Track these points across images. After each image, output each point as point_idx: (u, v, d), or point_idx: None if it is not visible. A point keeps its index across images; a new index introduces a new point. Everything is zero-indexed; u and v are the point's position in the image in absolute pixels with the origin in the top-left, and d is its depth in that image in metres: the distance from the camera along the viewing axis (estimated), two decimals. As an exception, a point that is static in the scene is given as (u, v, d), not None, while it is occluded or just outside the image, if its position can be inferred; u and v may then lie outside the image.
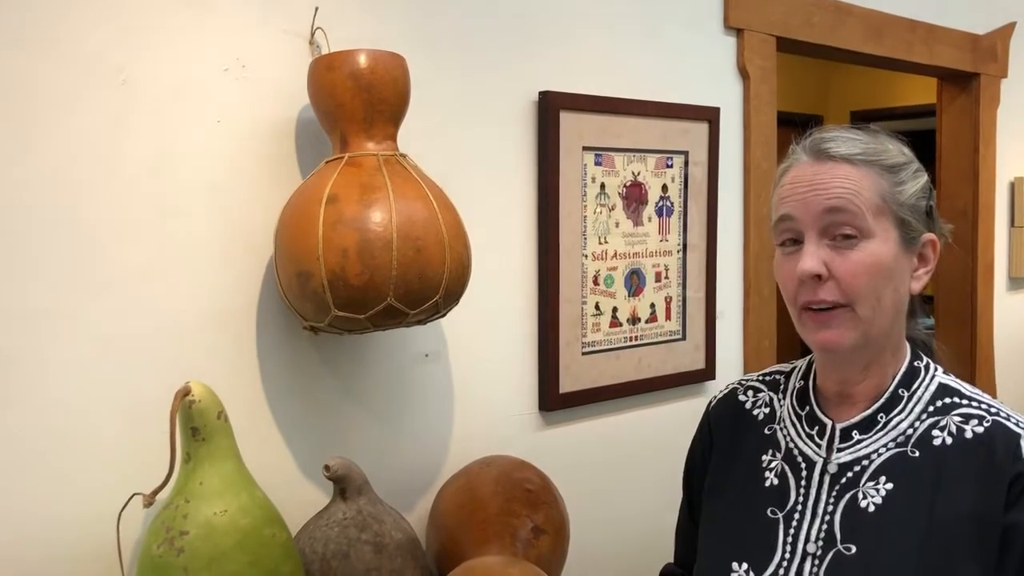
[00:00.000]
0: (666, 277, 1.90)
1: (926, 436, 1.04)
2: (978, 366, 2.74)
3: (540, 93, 1.66)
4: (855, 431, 1.07)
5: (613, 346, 1.80)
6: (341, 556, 1.25)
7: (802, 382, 1.16)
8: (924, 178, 1.07)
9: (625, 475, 1.84)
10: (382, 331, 1.34)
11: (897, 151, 1.06)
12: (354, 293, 1.21)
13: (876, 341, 1.05)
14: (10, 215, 1.15)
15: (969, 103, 2.74)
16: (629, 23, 1.82)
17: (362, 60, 1.27)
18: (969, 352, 2.74)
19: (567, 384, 1.72)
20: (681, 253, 1.93)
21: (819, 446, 1.09)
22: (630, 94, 1.81)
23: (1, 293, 1.15)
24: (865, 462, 1.05)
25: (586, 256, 1.75)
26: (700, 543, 1.18)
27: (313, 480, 1.41)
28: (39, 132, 1.17)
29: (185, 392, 1.15)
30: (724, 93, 2.02)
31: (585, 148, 1.73)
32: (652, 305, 1.88)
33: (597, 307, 1.77)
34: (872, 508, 1.02)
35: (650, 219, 1.86)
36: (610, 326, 1.80)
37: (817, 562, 1.03)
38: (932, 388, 1.07)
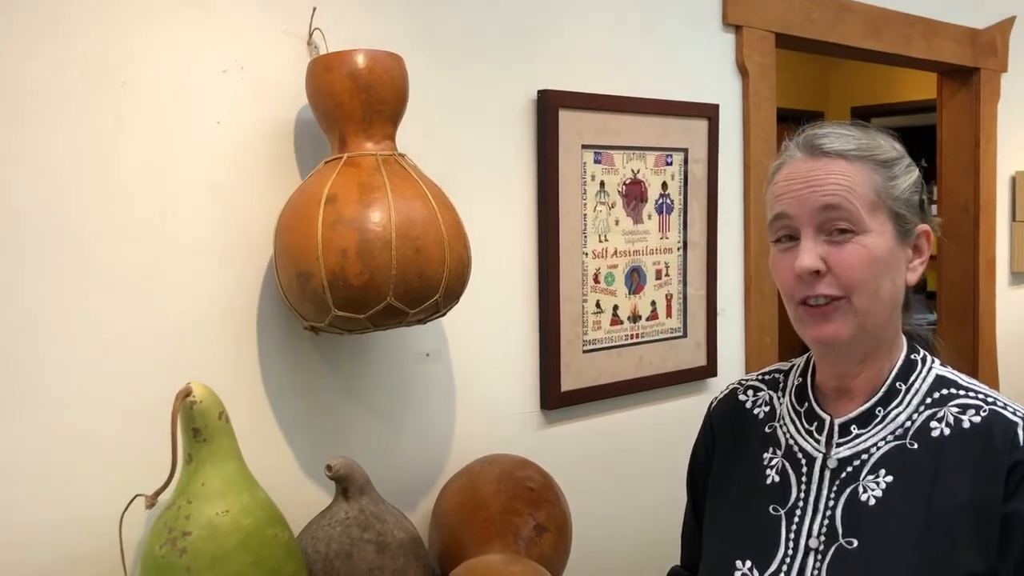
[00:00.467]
0: (667, 275, 1.90)
1: (924, 428, 1.04)
2: (980, 361, 2.73)
3: (539, 91, 1.66)
4: (854, 425, 1.07)
5: (614, 344, 1.80)
6: (344, 556, 1.25)
7: (800, 379, 1.16)
8: (916, 172, 1.08)
9: (627, 473, 1.84)
10: (383, 331, 1.35)
11: (889, 146, 1.06)
12: (354, 293, 1.21)
13: (873, 333, 1.05)
14: (8, 216, 1.16)
15: (969, 98, 2.73)
16: (628, 21, 1.82)
17: (360, 60, 1.27)
18: (971, 347, 2.74)
19: (568, 382, 1.72)
20: (681, 250, 1.93)
21: (818, 442, 1.09)
22: (629, 92, 1.81)
23: (0, 295, 1.15)
24: (865, 456, 1.05)
25: (586, 254, 1.75)
26: (704, 543, 1.18)
27: (315, 480, 1.41)
28: (39, 133, 1.17)
29: (186, 393, 1.15)
30: (723, 90, 2.02)
31: (584, 146, 1.73)
32: (653, 303, 1.88)
33: (598, 305, 1.77)
34: (873, 501, 1.03)
35: (650, 217, 1.86)
36: (611, 324, 1.80)
37: (820, 557, 1.03)
38: (929, 380, 1.08)
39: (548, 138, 1.66)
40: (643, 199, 1.84)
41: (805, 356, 1.18)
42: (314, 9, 1.38)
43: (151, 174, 1.26)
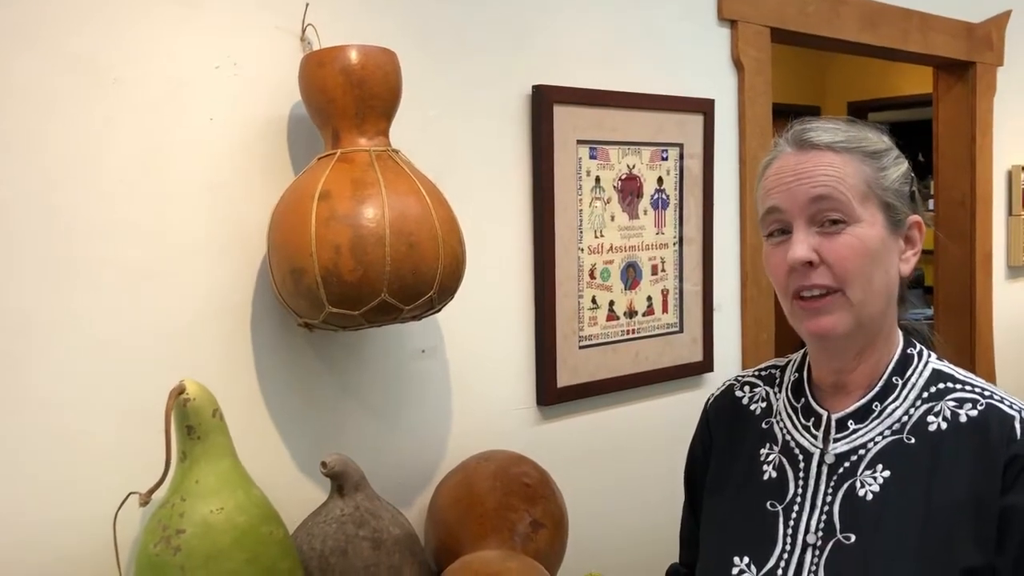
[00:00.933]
0: (663, 270, 1.90)
1: (921, 422, 1.04)
2: (977, 355, 2.73)
3: (533, 87, 1.66)
4: (850, 420, 1.07)
5: (610, 339, 1.80)
6: (339, 553, 1.25)
7: (797, 375, 1.16)
8: (905, 164, 1.08)
9: (623, 468, 1.84)
10: (377, 327, 1.34)
11: (877, 138, 1.07)
12: (348, 289, 1.20)
13: (868, 326, 1.05)
14: (0, 215, 1.15)
15: (965, 92, 2.73)
16: (623, 16, 1.82)
17: (353, 56, 1.26)
18: (968, 341, 2.74)
19: (564, 378, 1.72)
20: (677, 246, 1.92)
21: (815, 437, 1.09)
22: (624, 87, 1.80)
23: (-6, 294, 1.15)
24: (862, 451, 1.05)
25: (582, 250, 1.74)
26: (702, 539, 1.17)
27: (310, 477, 1.41)
28: (30, 131, 1.17)
29: (180, 390, 1.14)
30: (719, 85, 2.01)
31: (579, 141, 1.72)
32: (649, 298, 1.87)
33: (594, 300, 1.77)
34: (870, 496, 1.02)
35: (646, 212, 1.86)
36: (607, 320, 1.80)
37: (818, 553, 1.03)
38: (926, 374, 1.07)
39: (543, 133, 1.66)
40: (639, 194, 1.84)
41: (801, 352, 1.17)
42: (307, 5, 1.38)
43: (143, 172, 1.25)
